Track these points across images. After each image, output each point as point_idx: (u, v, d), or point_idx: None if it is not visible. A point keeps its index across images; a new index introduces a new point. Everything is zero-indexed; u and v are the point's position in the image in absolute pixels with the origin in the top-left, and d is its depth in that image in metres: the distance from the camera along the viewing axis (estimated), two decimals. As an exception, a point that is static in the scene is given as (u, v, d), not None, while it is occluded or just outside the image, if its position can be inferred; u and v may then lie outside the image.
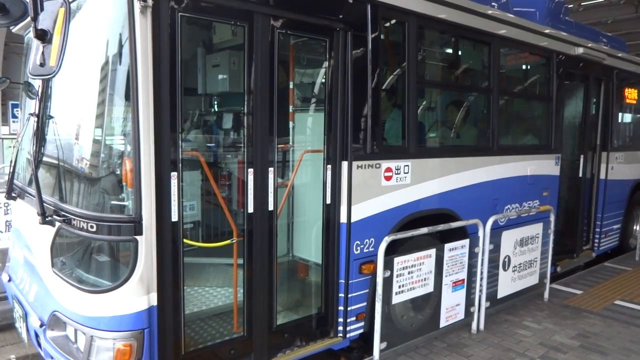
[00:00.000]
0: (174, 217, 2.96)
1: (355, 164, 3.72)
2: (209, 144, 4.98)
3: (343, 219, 3.74)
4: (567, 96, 6.09)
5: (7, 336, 4.83)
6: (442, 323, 4.28)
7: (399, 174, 4.00)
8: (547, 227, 5.17)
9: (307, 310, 3.90)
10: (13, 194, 3.93)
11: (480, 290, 4.49)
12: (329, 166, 3.71)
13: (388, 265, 3.72)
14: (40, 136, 3.38)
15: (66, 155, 3.20)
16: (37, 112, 3.36)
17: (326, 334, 3.86)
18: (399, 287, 3.85)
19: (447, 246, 4.18)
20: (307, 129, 4.06)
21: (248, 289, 3.38)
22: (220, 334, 3.51)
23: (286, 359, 3.57)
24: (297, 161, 3.84)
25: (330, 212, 3.75)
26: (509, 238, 4.73)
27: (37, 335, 3.35)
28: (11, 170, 3.97)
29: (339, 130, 3.68)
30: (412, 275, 3.93)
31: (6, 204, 5.39)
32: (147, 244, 2.85)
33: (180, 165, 2.97)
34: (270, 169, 3.37)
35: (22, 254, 3.84)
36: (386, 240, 3.66)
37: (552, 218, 5.17)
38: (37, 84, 3.51)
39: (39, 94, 3.42)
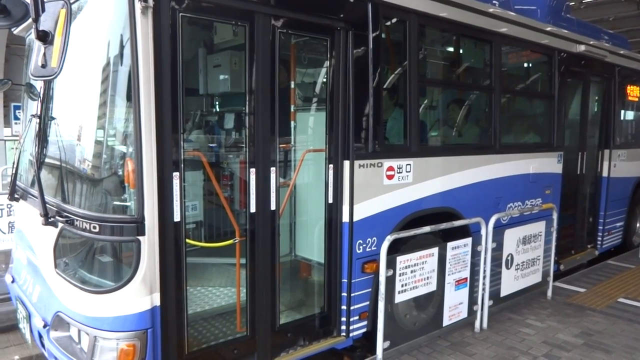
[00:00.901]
0: (177, 217, 2.96)
1: (357, 163, 3.71)
2: (210, 144, 4.98)
3: (345, 218, 3.74)
4: (569, 94, 6.07)
5: (10, 337, 4.84)
6: (445, 322, 4.27)
7: (401, 172, 4.00)
8: (550, 225, 5.16)
9: (310, 309, 3.90)
10: (16, 195, 3.94)
11: (483, 289, 4.48)
12: (331, 165, 3.71)
13: (391, 264, 3.71)
14: (42, 137, 3.39)
15: (68, 156, 3.21)
16: (39, 113, 3.36)
17: (329, 333, 3.86)
18: (402, 286, 3.84)
19: (450, 245, 4.17)
20: (309, 129, 4.06)
21: (251, 289, 3.38)
22: (224, 334, 3.51)
23: (289, 359, 3.57)
24: (299, 161, 3.84)
25: (332, 212, 3.75)
26: (511, 236, 4.72)
27: (40, 336, 3.36)
28: (14, 172, 3.98)
29: (341, 129, 3.68)
30: (415, 274, 3.92)
31: (9, 205, 5.40)
32: (149, 244, 2.85)
33: (182, 165, 2.97)
34: (272, 169, 3.37)
35: (25, 255, 3.85)
36: (388, 239, 3.66)
37: (555, 216, 5.17)
38: (38, 85, 3.52)
39: (41, 95, 3.42)
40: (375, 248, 3.87)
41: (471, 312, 4.46)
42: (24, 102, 4.32)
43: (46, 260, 3.31)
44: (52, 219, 3.02)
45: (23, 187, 3.89)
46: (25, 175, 3.97)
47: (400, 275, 3.80)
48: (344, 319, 3.84)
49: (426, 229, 3.95)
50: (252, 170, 3.30)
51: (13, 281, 4.07)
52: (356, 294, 3.85)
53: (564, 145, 5.83)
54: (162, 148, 2.85)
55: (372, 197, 3.84)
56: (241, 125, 4.45)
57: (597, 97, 6.74)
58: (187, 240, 3.13)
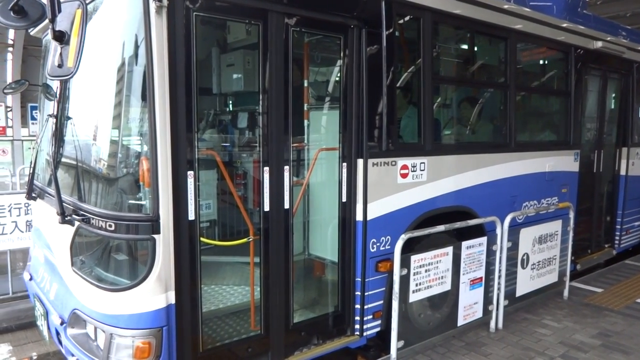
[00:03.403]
0: (191, 216, 2.98)
1: (370, 161, 3.70)
2: (224, 143, 5.00)
3: (359, 217, 3.73)
4: (586, 91, 5.99)
5: (28, 334, 4.92)
6: (460, 321, 4.24)
7: (415, 171, 3.98)
8: (566, 224, 5.09)
9: (323, 308, 3.90)
10: (33, 194, 4.00)
11: (499, 289, 4.44)
12: (345, 164, 3.70)
13: (405, 263, 3.70)
14: (58, 137, 3.43)
15: (84, 155, 3.24)
16: (55, 113, 3.40)
17: (343, 332, 3.85)
18: (416, 285, 3.82)
19: (465, 244, 4.14)
20: (322, 127, 4.06)
21: (265, 287, 3.39)
22: (238, 332, 3.52)
23: (303, 357, 3.57)
24: (312, 159, 3.83)
25: (346, 210, 3.74)
26: (527, 235, 4.67)
27: (58, 333, 3.40)
28: (31, 171, 4.03)
29: (354, 128, 3.67)
30: (429, 273, 3.90)
31: (27, 204, 5.48)
32: (164, 242, 2.87)
33: (196, 164, 2.99)
34: (286, 167, 3.37)
35: (43, 253, 3.90)
36: (403, 238, 3.64)
37: (572, 215, 5.10)
38: (55, 85, 3.56)
39: (57, 96, 3.46)
40: (389, 247, 3.85)
41: (486, 312, 4.42)
42: (41, 103, 4.38)
43: (63, 258, 3.35)
44: (68, 218, 3.05)
45: (40, 186, 3.94)
46: (42, 175, 4.03)
47: (414, 274, 3.78)
48: (357, 318, 3.83)
49: (441, 228, 3.92)
50: (266, 169, 3.30)
51: (31, 279, 4.13)
52: (370, 293, 3.83)
53: (580, 143, 5.75)
54: (176, 147, 2.87)
55: (386, 196, 3.82)
56: (255, 124, 4.46)
57: (614, 94, 6.64)
58: (202, 239, 3.15)
